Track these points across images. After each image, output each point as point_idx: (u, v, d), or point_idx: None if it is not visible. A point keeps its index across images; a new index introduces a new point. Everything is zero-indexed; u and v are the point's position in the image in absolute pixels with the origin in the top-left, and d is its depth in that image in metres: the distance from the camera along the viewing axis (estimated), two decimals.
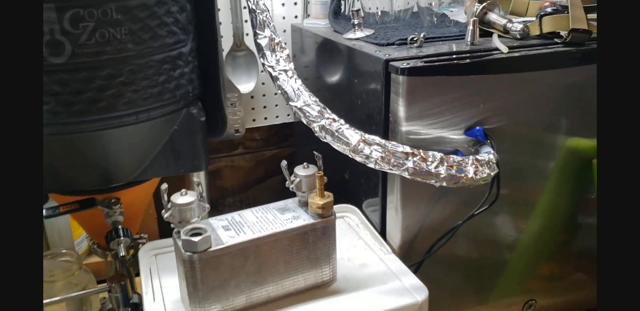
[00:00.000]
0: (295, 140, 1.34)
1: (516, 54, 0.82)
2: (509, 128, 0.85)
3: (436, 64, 0.78)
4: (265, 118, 1.28)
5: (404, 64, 0.77)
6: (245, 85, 1.17)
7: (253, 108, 1.27)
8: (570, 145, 0.92)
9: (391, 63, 0.78)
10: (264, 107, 1.27)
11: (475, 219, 0.87)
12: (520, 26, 0.89)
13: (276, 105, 1.28)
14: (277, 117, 1.29)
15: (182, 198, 0.65)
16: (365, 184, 0.93)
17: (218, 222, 0.70)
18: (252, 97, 1.25)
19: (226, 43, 1.15)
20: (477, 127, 0.81)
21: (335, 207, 0.89)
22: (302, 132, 1.21)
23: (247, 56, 1.16)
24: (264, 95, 1.26)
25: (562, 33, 0.87)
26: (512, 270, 1.00)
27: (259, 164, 1.37)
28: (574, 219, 1.01)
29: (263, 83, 1.23)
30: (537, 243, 1.00)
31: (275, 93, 1.26)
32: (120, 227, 0.77)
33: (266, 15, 0.77)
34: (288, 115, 1.30)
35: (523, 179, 0.92)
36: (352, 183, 0.98)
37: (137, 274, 0.82)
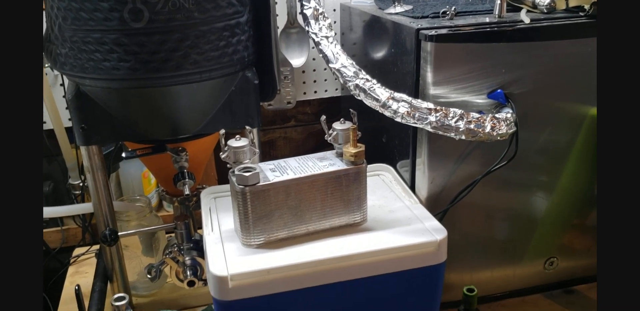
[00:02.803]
0: (343, 115, 1.44)
1: (537, 24, 0.90)
2: (531, 95, 0.92)
3: (461, 31, 0.87)
4: (315, 92, 1.40)
5: (432, 32, 0.86)
6: (297, 60, 1.28)
7: (304, 82, 1.38)
8: (593, 114, 0.99)
9: (421, 31, 0.88)
10: (314, 81, 1.38)
11: (503, 188, 0.94)
12: (547, 1, 0.97)
13: (325, 80, 1.39)
14: (325, 91, 1.40)
15: (236, 142, 0.78)
16: (399, 145, 1.03)
17: (266, 165, 0.82)
18: (303, 71, 1.36)
19: (281, 21, 1.26)
20: (499, 90, 0.90)
21: (372, 165, 1.00)
22: (348, 107, 1.31)
23: (299, 33, 1.27)
24: (314, 70, 1.37)
25: (586, 6, 0.94)
26: (537, 236, 1.07)
27: (310, 136, 1.48)
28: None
29: (314, 59, 1.34)
30: (560, 213, 1.06)
31: (325, 69, 1.37)
32: (186, 170, 0.90)
33: None
34: (336, 89, 1.41)
35: (547, 147, 0.99)
36: (388, 146, 1.08)
37: (200, 227, 0.94)
